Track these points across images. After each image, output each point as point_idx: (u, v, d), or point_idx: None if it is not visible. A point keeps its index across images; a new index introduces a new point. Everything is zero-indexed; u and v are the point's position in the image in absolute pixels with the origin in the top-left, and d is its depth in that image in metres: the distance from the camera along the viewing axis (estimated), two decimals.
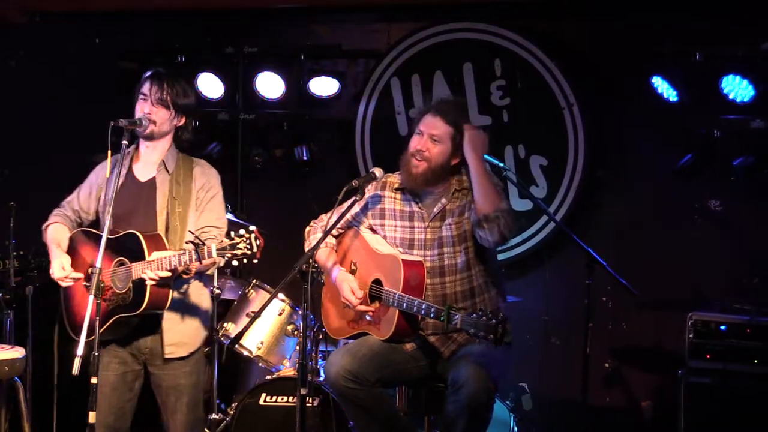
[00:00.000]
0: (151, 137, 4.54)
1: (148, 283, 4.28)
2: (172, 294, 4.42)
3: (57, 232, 4.63)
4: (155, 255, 4.29)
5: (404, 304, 4.44)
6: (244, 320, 5.53)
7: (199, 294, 4.65)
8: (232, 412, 5.38)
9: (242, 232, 4.11)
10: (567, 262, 5.95)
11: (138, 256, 4.33)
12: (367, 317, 4.65)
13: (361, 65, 6.59)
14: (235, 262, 4.11)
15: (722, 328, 5.27)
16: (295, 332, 5.47)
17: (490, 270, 4.66)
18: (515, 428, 5.46)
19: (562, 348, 6.00)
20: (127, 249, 4.38)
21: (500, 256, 5.62)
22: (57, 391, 5.55)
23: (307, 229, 4.88)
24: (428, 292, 4.55)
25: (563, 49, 6.13)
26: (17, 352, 5.02)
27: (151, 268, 4.26)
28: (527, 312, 5.75)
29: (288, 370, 5.43)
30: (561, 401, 5.91)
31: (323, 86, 6.39)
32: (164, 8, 6.71)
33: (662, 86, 5.66)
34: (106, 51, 6.81)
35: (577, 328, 5.42)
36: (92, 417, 4.19)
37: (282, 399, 5.21)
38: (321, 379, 5.24)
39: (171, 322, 4.52)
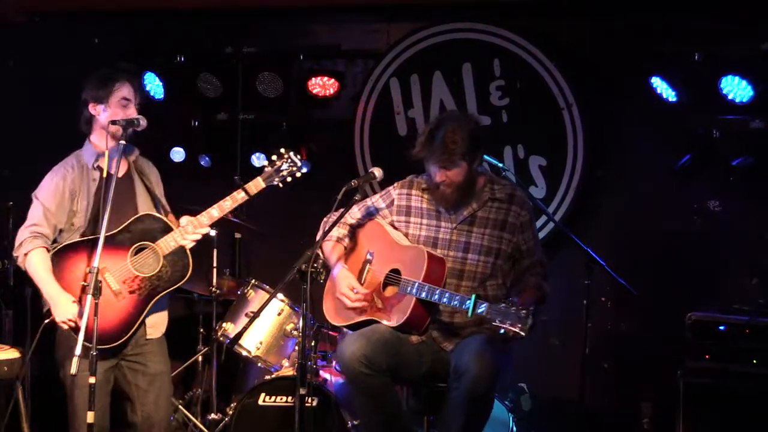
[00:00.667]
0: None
1: (189, 245, 4.49)
2: None
3: (45, 262, 4.46)
4: (185, 219, 4.51)
5: (424, 293, 4.44)
6: (243, 320, 5.54)
7: None
8: (231, 412, 5.38)
9: (281, 151, 4.56)
10: (566, 262, 5.93)
11: (161, 231, 4.49)
12: (378, 303, 4.65)
13: (361, 65, 6.59)
14: (289, 179, 4.58)
15: (721, 328, 5.27)
16: (294, 332, 5.47)
17: (506, 286, 4.70)
18: (514, 428, 5.47)
19: (561, 348, 5.99)
20: (142, 231, 4.49)
21: None
22: (56, 392, 5.56)
23: (325, 219, 4.86)
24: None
25: (562, 49, 6.12)
26: (16, 353, 5.03)
27: (187, 231, 4.48)
28: None
29: (287, 369, 5.43)
30: (560, 401, 5.90)
31: (322, 86, 6.39)
32: (163, 8, 6.71)
33: (661, 86, 5.66)
34: (106, 51, 6.80)
35: (576, 328, 5.42)
36: (90, 417, 4.19)
37: (281, 399, 5.22)
38: (321, 379, 5.26)
39: None
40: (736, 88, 5.40)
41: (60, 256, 4.47)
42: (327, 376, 5.42)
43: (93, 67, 6.74)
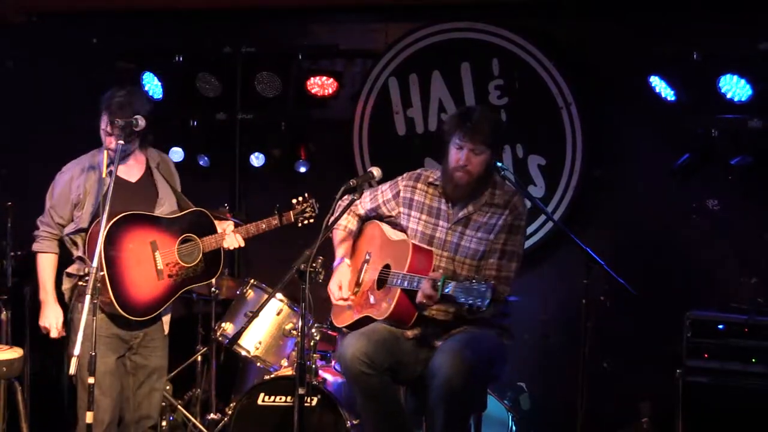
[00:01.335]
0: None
1: (232, 247, 4.92)
2: None
3: (50, 268, 4.81)
4: (230, 227, 4.96)
5: (406, 282, 4.49)
6: (242, 320, 5.54)
7: None
8: (230, 412, 5.38)
9: (306, 196, 5.13)
10: (565, 261, 5.94)
11: (208, 230, 4.88)
12: (371, 299, 4.68)
13: (359, 65, 6.59)
14: (305, 222, 5.14)
15: (720, 327, 5.27)
16: (294, 332, 5.47)
17: None
18: (513, 428, 5.47)
19: (560, 347, 5.99)
20: (193, 225, 4.86)
21: None
22: (55, 391, 5.56)
23: (325, 220, 4.84)
24: None
25: (561, 48, 6.12)
26: (15, 353, 5.03)
27: (229, 236, 4.91)
28: (525, 311, 5.72)
29: (286, 369, 5.43)
30: (559, 401, 5.90)
31: (321, 86, 6.39)
32: (162, 8, 6.70)
33: (660, 86, 5.66)
34: (105, 51, 6.80)
35: (575, 327, 5.41)
36: (89, 417, 4.19)
37: (280, 399, 5.21)
38: (320, 378, 5.25)
39: None
40: (735, 88, 5.40)
41: (119, 226, 4.65)
42: (326, 375, 5.42)
43: (91, 67, 6.81)
